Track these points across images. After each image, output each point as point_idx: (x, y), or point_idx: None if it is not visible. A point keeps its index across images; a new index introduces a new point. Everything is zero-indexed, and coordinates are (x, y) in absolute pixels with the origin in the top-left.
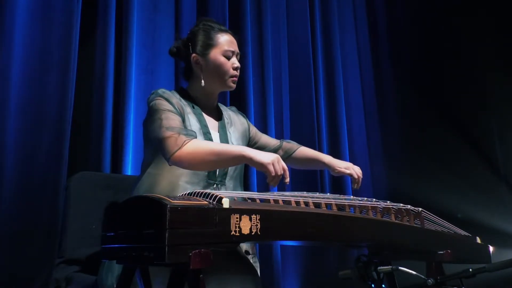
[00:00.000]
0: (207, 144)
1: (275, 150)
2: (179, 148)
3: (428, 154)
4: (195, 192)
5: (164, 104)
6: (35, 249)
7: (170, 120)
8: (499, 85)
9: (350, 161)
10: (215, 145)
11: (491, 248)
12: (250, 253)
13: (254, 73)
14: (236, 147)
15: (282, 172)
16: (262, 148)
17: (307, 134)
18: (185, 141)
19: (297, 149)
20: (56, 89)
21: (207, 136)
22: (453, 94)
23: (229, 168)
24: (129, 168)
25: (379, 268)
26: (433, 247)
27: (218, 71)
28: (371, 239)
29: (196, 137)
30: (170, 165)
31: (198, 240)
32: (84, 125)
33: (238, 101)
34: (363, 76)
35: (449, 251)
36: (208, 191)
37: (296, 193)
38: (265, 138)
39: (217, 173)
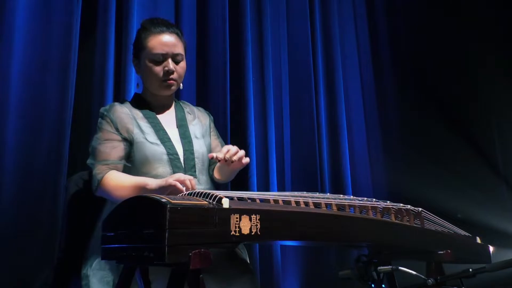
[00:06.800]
0: (118, 181)
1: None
2: (97, 187)
3: (428, 154)
4: (195, 192)
5: (105, 127)
6: (35, 249)
7: (97, 150)
8: (499, 86)
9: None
10: (124, 180)
11: (491, 248)
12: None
13: (254, 73)
14: (140, 180)
15: (184, 177)
16: (212, 149)
17: (307, 134)
18: (98, 181)
19: None
20: (56, 89)
21: (161, 133)
22: (453, 94)
23: (196, 162)
24: None
25: (379, 268)
26: (433, 247)
27: (148, 76)
28: (371, 239)
29: (116, 167)
30: None
31: (198, 240)
32: (84, 125)
33: (238, 101)
34: (363, 76)
35: (449, 251)
36: (208, 191)
37: (296, 193)
38: (215, 143)
39: (184, 167)
